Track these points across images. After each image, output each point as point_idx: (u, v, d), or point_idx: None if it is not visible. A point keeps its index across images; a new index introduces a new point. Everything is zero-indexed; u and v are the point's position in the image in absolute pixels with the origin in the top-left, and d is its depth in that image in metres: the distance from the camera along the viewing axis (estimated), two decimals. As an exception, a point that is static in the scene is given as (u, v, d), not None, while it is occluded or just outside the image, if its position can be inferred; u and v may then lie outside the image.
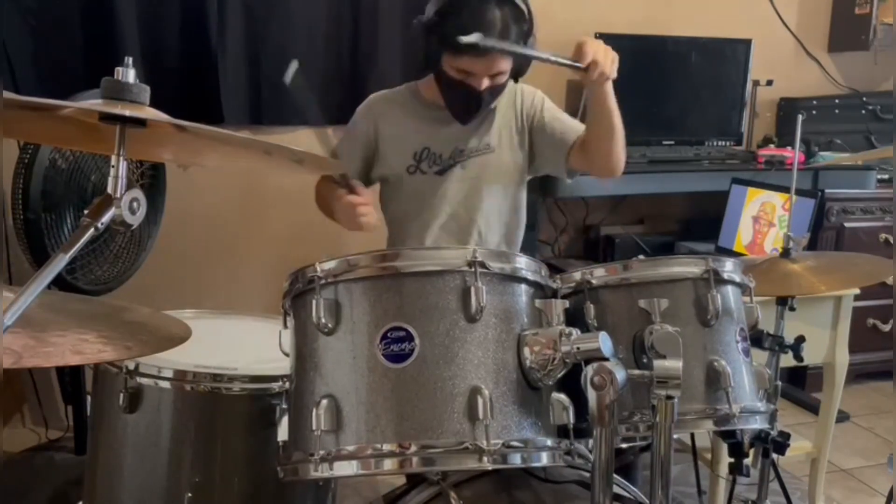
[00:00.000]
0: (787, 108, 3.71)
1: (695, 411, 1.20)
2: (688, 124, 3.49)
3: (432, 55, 1.82)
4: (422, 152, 1.96)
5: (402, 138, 1.97)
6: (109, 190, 1.02)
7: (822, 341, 2.40)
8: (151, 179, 2.29)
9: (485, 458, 1.04)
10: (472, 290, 1.08)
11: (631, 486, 1.43)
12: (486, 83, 1.80)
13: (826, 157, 3.42)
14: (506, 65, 1.80)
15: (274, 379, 1.36)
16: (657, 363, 1.09)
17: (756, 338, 1.50)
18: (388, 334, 1.07)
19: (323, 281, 1.12)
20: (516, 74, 1.88)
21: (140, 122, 1.03)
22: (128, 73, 1.04)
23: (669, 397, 1.08)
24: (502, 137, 2.00)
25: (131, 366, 1.39)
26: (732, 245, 2.93)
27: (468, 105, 1.86)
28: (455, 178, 1.96)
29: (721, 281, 1.26)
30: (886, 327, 3.41)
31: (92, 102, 1.04)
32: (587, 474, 1.31)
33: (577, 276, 1.26)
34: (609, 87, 1.77)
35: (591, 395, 1.04)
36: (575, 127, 1.99)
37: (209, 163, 2.20)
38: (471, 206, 1.98)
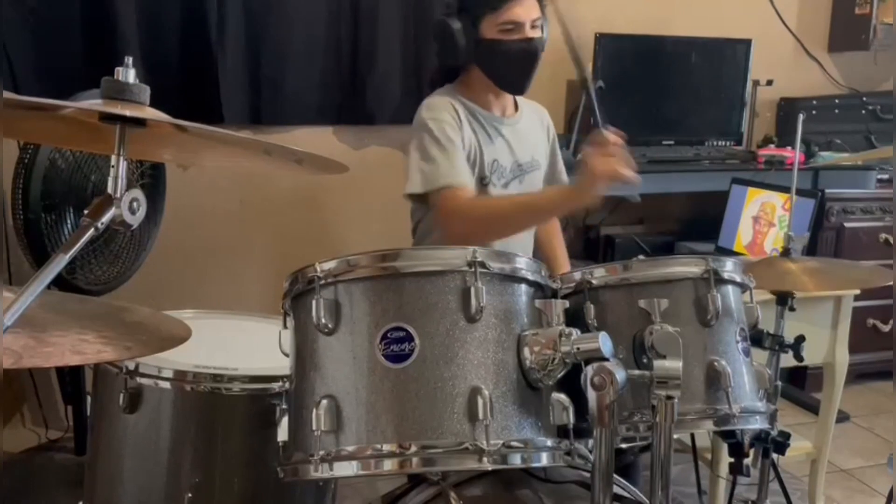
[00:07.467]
0: (787, 108, 3.70)
1: (695, 411, 1.20)
2: (688, 124, 3.49)
3: (470, 35, 1.83)
4: (492, 164, 1.93)
5: (476, 147, 1.92)
6: (109, 190, 1.02)
7: (822, 341, 2.40)
8: (151, 179, 2.28)
9: (485, 459, 1.04)
10: (472, 290, 1.08)
11: (631, 486, 1.43)
12: (532, 32, 1.84)
13: (826, 157, 3.42)
14: (538, 9, 1.85)
15: (274, 379, 1.36)
16: (657, 363, 1.09)
17: (756, 338, 1.50)
18: (388, 334, 1.07)
19: (323, 281, 1.12)
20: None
21: (140, 122, 1.03)
22: (128, 73, 1.04)
23: (669, 397, 1.08)
24: (541, 154, 2.06)
25: (131, 366, 1.39)
26: (732, 245, 2.93)
27: (525, 60, 1.85)
28: (514, 191, 1.97)
29: (721, 281, 1.26)
30: (886, 327, 3.41)
31: (92, 102, 1.04)
32: (587, 474, 1.31)
33: (577, 276, 1.26)
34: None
35: (591, 395, 1.04)
36: (562, 177, 2.13)
37: (209, 163, 2.21)
38: None
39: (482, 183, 1.92)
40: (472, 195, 1.83)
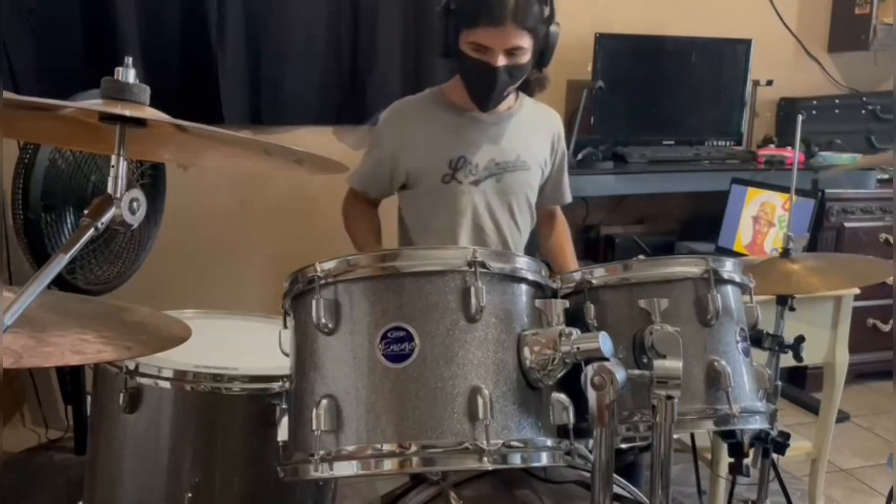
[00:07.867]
0: (787, 108, 3.70)
1: (695, 411, 1.20)
2: (688, 124, 3.49)
3: (451, 38, 1.82)
4: (458, 161, 1.91)
5: (435, 145, 1.92)
6: (109, 190, 1.02)
7: (822, 341, 2.40)
8: (151, 179, 2.28)
9: (485, 459, 1.04)
10: (472, 290, 1.08)
11: (631, 486, 1.43)
12: (502, 60, 1.78)
13: (826, 157, 3.42)
14: (521, 40, 1.77)
15: (274, 379, 1.36)
16: (657, 363, 1.09)
17: (756, 338, 1.50)
18: (388, 334, 1.07)
19: (323, 281, 1.12)
20: (540, 61, 1.86)
21: (140, 122, 1.04)
22: (128, 73, 1.04)
23: (669, 397, 1.08)
24: (537, 158, 2.02)
25: (131, 366, 1.39)
26: (732, 245, 2.93)
27: (485, 83, 1.82)
28: (490, 190, 1.95)
29: (721, 281, 1.26)
30: (886, 327, 3.41)
31: (92, 102, 1.04)
32: (587, 474, 1.31)
33: (577, 276, 1.26)
34: None
35: (591, 395, 1.04)
36: (566, 194, 2.16)
37: (209, 163, 2.21)
38: (501, 219, 1.98)
39: (443, 181, 1.92)
40: (363, 201, 2.07)
